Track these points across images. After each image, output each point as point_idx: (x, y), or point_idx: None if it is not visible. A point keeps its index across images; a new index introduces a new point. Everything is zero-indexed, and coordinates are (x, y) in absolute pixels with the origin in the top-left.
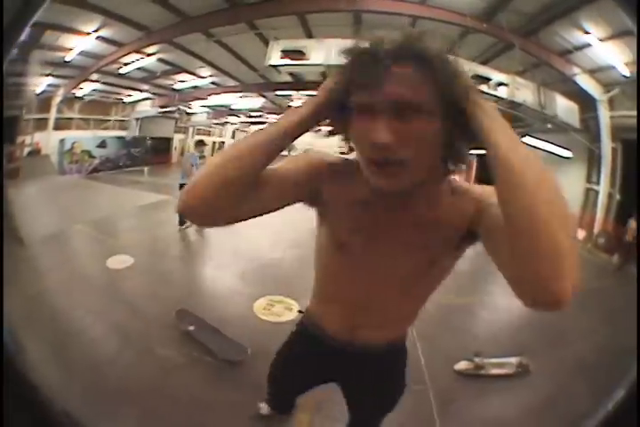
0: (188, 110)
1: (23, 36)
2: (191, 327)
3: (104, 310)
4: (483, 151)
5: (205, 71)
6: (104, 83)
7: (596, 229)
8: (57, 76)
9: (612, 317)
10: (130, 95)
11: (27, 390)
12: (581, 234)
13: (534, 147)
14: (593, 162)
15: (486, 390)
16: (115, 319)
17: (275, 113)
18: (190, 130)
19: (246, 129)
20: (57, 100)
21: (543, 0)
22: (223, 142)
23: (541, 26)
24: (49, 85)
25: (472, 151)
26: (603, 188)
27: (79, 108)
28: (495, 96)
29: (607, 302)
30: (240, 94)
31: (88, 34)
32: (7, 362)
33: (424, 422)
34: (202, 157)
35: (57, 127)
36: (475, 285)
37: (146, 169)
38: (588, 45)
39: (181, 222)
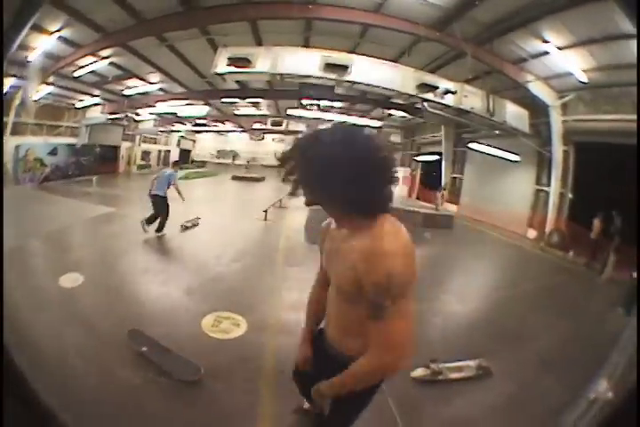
0: (136, 117)
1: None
2: (144, 348)
3: (62, 331)
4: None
5: (155, 77)
6: (59, 86)
7: (548, 227)
8: (19, 77)
9: (570, 311)
10: (81, 100)
11: (26, 391)
12: (532, 233)
13: (481, 152)
14: (543, 164)
15: (448, 394)
16: (73, 341)
17: (220, 121)
18: (137, 138)
19: (192, 137)
20: (16, 102)
21: (503, 10)
22: (169, 151)
23: (497, 35)
24: (11, 87)
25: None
26: (554, 188)
27: (34, 112)
28: (442, 104)
29: (562, 298)
30: (187, 101)
31: (52, 33)
32: (7, 363)
33: None
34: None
35: (14, 132)
36: (423, 291)
37: (94, 179)
38: (545, 53)
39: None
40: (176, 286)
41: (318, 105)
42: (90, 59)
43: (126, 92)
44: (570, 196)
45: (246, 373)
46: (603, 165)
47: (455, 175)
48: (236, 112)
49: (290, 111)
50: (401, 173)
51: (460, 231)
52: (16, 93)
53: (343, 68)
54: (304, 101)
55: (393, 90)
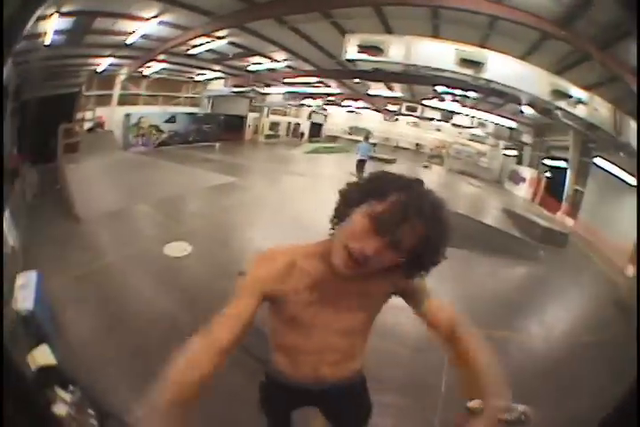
0: (263, 91)
1: (68, 25)
2: None
3: (155, 298)
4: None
5: (280, 55)
6: (173, 62)
7: None
8: (119, 57)
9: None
10: (201, 74)
11: (26, 391)
12: (630, 271)
13: (604, 169)
14: None
15: None
16: (164, 309)
17: (352, 99)
18: (265, 109)
19: (323, 112)
20: (121, 78)
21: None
22: (299, 124)
23: (618, 38)
24: (111, 65)
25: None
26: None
27: (147, 85)
28: (574, 115)
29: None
30: (317, 79)
31: (148, 19)
32: (7, 363)
33: None
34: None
35: (122, 103)
36: (511, 318)
37: (217, 145)
38: None
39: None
40: None
41: (453, 93)
42: (203, 39)
43: (251, 68)
44: None
45: None
46: None
47: (577, 187)
48: (369, 92)
49: (425, 102)
50: (528, 173)
51: (570, 253)
52: (119, 70)
53: (479, 64)
54: (438, 88)
55: (528, 93)
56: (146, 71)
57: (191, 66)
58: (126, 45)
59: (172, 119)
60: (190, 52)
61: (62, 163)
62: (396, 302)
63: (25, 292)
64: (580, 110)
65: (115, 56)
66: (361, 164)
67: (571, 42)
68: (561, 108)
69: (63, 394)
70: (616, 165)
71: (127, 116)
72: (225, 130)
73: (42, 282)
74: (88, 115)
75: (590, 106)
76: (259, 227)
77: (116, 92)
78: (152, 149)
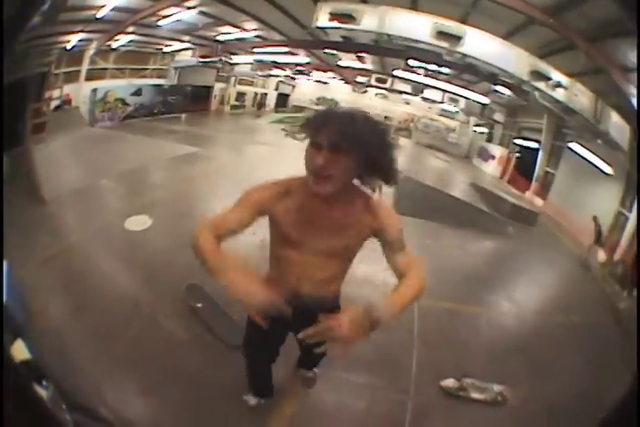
0: (231, 61)
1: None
2: (199, 304)
3: (118, 276)
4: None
5: (250, 24)
6: (141, 34)
7: (617, 255)
8: (89, 32)
9: (601, 359)
10: (169, 45)
11: (26, 391)
12: (602, 257)
13: (579, 155)
14: (631, 187)
15: (462, 412)
16: (127, 288)
17: (322, 70)
18: (232, 79)
19: (291, 82)
20: (89, 53)
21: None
22: (265, 94)
23: (610, 35)
24: (80, 40)
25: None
26: (633, 217)
27: (114, 58)
28: (552, 97)
29: (601, 342)
30: (287, 49)
31: None
32: (7, 363)
33: None
34: None
35: (89, 78)
36: (480, 293)
37: (183, 116)
38: None
39: None
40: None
41: (426, 68)
42: (174, 9)
43: (220, 38)
44: None
45: None
46: None
47: (548, 169)
48: (339, 63)
49: (395, 72)
50: (498, 151)
51: (539, 232)
52: (88, 45)
53: (456, 38)
54: (410, 62)
55: (505, 71)
56: (114, 44)
57: (160, 37)
58: (97, 19)
59: (138, 92)
60: (160, 22)
61: (30, 144)
62: (364, 276)
63: None
64: (559, 94)
65: (85, 31)
66: None
67: (558, 30)
68: (539, 89)
69: (40, 390)
70: (592, 152)
71: (93, 91)
72: (191, 101)
73: (11, 271)
74: (56, 93)
75: (570, 91)
76: (221, 197)
77: (84, 67)
78: (118, 122)
